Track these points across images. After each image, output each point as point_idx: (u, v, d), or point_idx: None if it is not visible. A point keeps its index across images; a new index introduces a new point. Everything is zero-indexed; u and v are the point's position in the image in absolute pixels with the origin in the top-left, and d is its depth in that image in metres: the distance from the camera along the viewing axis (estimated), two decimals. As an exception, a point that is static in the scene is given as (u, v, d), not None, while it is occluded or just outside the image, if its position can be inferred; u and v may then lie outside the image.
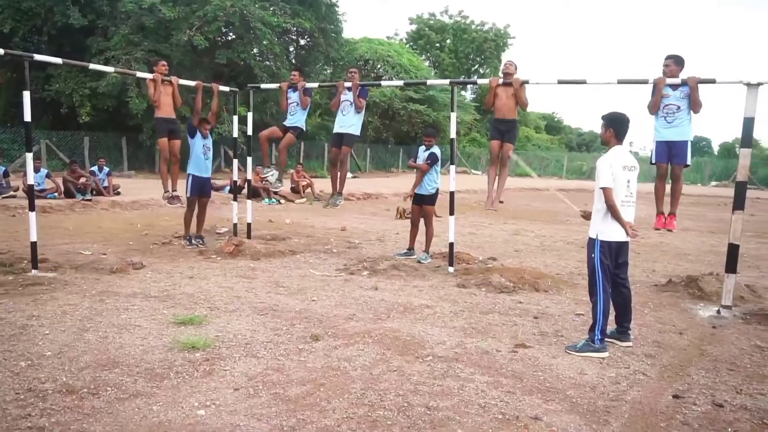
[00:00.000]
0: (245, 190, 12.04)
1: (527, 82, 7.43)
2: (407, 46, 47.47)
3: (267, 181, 16.32)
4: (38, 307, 5.41)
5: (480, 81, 8.82)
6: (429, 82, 10.37)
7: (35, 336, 4.64)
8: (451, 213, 7.86)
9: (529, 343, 4.90)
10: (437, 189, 8.35)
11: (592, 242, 4.80)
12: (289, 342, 4.73)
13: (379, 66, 36.22)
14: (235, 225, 9.61)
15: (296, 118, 8.63)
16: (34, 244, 6.78)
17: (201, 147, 8.79)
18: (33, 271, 6.71)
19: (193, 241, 8.89)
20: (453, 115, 7.91)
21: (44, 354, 4.25)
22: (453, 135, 7.98)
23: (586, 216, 5.06)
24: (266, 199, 16.07)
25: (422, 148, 8.40)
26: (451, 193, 7.85)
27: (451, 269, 7.70)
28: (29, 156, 6.97)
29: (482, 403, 3.70)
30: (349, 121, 8.33)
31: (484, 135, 45.67)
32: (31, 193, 7.03)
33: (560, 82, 7.15)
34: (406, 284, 6.99)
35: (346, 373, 4.12)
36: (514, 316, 5.74)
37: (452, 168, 7.93)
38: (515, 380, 4.10)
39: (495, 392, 3.87)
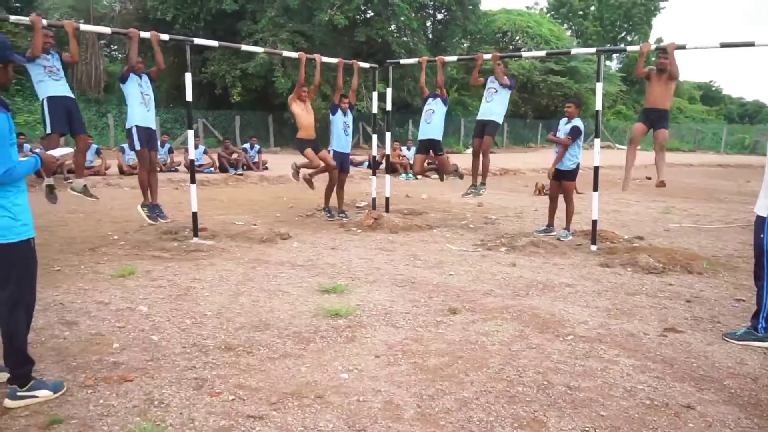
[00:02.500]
0: (383, 165, 12.31)
1: (684, 47, 6.86)
2: (548, 15, 45.54)
3: (405, 157, 16.58)
4: (199, 272, 5.92)
5: (630, 48, 8.25)
6: (573, 51, 9.91)
7: (197, 297, 5.09)
8: (595, 189, 7.51)
9: (680, 328, 4.59)
10: (578, 164, 7.99)
11: (761, 221, 4.35)
12: (427, 314, 4.80)
13: (517, 38, 35.13)
14: (374, 199, 9.86)
15: (432, 127, 8.65)
16: (195, 214, 7.41)
17: (341, 123, 9.09)
18: (194, 238, 7.34)
19: (337, 215, 9.26)
20: (599, 86, 7.51)
21: (205, 314, 4.66)
22: (598, 107, 7.59)
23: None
24: (403, 174, 16.30)
25: (563, 120, 8.05)
26: (595, 168, 7.49)
27: (593, 247, 7.38)
28: (190, 133, 7.59)
29: (628, 386, 3.54)
30: (493, 109, 8.20)
31: (630, 108, 42.97)
32: (192, 167, 7.66)
33: (723, 45, 6.55)
34: (546, 261, 6.81)
35: (484, 347, 4.12)
36: (664, 299, 5.40)
37: (596, 142, 7.55)
38: (665, 365, 3.87)
39: (642, 376, 3.69)
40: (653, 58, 7.27)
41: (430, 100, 8.68)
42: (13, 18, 6.28)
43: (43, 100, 6.18)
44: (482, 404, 3.28)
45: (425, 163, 9.11)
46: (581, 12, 48.17)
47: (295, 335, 4.25)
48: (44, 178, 11.28)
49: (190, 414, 3.07)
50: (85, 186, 6.87)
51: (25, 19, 6.04)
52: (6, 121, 2.98)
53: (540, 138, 35.73)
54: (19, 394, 3.09)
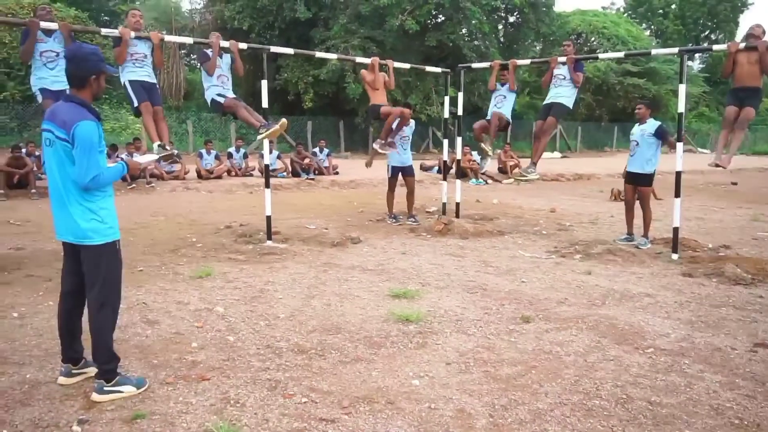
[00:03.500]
0: (453, 170, 12.24)
1: (777, 45, 6.48)
2: (625, 15, 44.12)
3: (476, 162, 16.43)
4: (273, 274, 6.05)
5: (716, 47, 7.84)
6: (654, 51, 9.51)
7: (271, 299, 5.20)
8: (677, 195, 7.19)
9: (772, 344, 4.32)
10: (655, 169, 7.67)
11: None
12: (499, 322, 4.72)
13: (593, 39, 34.25)
14: (444, 204, 9.80)
15: (505, 107, 8.54)
16: (268, 218, 7.58)
17: (398, 138, 9.05)
18: (268, 241, 7.51)
19: (407, 219, 9.27)
20: (682, 87, 7.18)
21: (279, 316, 4.75)
22: (681, 109, 7.26)
23: None
24: (473, 180, 16.14)
25: (637, 125, 7.76)
26: (677, 174, 7.17)
27: (674, 256, 7.06)
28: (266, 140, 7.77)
29: (714, 404, 3.35)
30: (560, 93, 8.00)
31: (714, 110, 40.99)
32: (267, 172, 7.84)
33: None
34: (623, 270, 6.56)
35: (558, 357, 4.00)
36: (753, 312, 5.09)
37: (679, 146, 7.23)
38: (755, 384, 3.64)
39: (730, 394, 3.48)
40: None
41: (498, 85, 8.58)
42: (104, 31, 6.65)
43: (125, 82, 6.48)
44: (557, 417, 3.18)
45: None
46: (661, 11, 46.45)
47: (366, 340, 4.27)
48: (129, 182, 11.85)
49: (264, 415, 3.13)
50: (162, 146, 7.07)
51: (115, 32, 6.36)
52: (96, 129, 3.13)
53: (616, 141, 34.63)
54: (105, 388, 3.24)
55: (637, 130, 7.72)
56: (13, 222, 8.77)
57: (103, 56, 3.36)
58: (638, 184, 7.73)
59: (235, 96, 7.33)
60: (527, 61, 9.47)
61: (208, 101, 7.31)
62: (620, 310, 5.09)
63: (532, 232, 8.79)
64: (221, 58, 7.16)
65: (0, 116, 20.45)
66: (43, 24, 5.88)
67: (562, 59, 7.93)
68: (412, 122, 9.31)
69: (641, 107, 7.75)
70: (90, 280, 3.25)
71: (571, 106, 8.12)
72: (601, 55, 9.98)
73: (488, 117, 8.70)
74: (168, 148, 6.71)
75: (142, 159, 3.63)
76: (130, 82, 6.43)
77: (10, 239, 7.51)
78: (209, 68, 7.10)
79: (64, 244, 3.33)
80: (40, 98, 6.02)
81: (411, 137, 9.37)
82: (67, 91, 3.35)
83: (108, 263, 3.27)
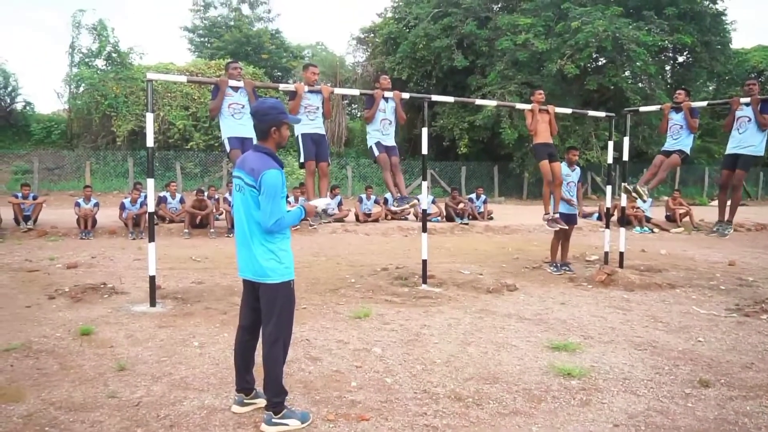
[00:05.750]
0: (616, 218, 11.62)
1: None
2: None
3: (641, 210, 15.45)
4: (428, 318, 6.07)
5: None
6: None
7: (427, 343, 5.20)
8: None
9: None
10: None
11: None
12: (673, 384, 4.32)
13: (777, 77, 31.15)
14: (606, 253, 9.29)
15: (680, 141, 7.97)
16: (424, 262, 7.66)
17: (565, 183, 8.76)
18: (423, 285, 7.58)
19: (561, 267, 8.90)
20: None
21: (435, 361, 4.73)
22: None
23: None
24: (637, 228, 15.18)
25: None
26: None
27: None
28: (425, 184, 7.94)
29: None
30: (747, 140, 7.32)
31: None
32: (424, 217, 7.97)
33: None
34: (823, 335, 5.75)
35: (746, 430, 3.57)
36: None
37: None
38: None
39: None
40: None
41: (672, 113, 8.03)
42: (281, 86, 7.28)
43: (297, 135, 6.96)
44: (748, 498, 2.82)
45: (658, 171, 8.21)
46: None
47: (525, 392, 4.11)
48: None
49: (421, 461, 3.11)
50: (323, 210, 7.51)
51: (291, 87, 6.92)
52: (280, 177, 3.38)
53: (806, 188, 30.91)
54: (273, 420, 3.41)
55: None
56: (194, 258, 9.69)
57: (284, 108, 3.63)
58: None
59: (393, 146, 7.57)
60: (703, 104, 8.79)
61: (369, 146, 7.65)
62: (822, 381, 4.44)
63: (708, 287, 8.02)
64: (387, 102, 7.48)
65: (186, 163, 22.91)
66: (231, 82, 6.55)
67: (746, 100, 7.29)
68: (577, 168, 9.01)
69: None
70: (266, 316, 3.47)
71: (761, 154, 7.39)
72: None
73: (666, 147, 8.17)
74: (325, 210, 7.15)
75: (319, 204, 3.86)
76: (302, 135, 6.91)
77: (192, 274, 8.28)
78: (367, 118, 7.47)
79: (245, 281, 3.60)
80: (227, 147, 6.65)
81: (576, 183, 9.04)
82: (254, 140, 3.67)
83: (283, 301, 3.47)
